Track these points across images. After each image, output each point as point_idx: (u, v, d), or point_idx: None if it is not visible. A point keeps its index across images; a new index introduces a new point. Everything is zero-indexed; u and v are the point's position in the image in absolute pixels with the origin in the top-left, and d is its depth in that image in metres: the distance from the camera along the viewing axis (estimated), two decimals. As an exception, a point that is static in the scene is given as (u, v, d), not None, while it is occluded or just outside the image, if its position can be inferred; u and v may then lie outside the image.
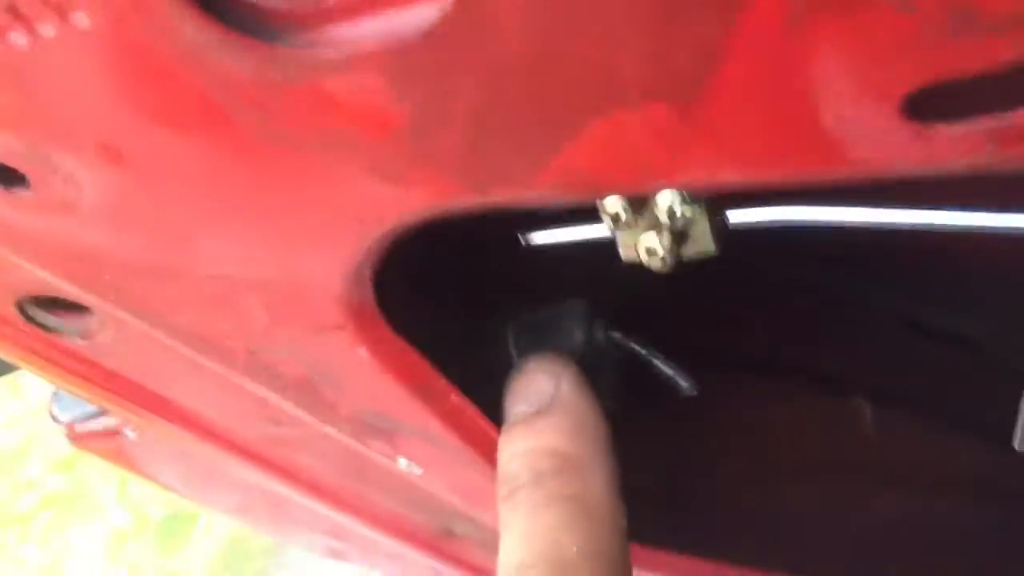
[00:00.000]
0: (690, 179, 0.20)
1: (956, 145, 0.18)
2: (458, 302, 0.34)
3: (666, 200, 0.28)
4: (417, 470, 0.35)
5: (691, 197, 0.28)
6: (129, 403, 0.34)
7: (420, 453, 0.34)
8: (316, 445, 0.36)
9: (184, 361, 0.31)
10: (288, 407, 0.33)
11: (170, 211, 0.24)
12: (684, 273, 0.30)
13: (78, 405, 0.53)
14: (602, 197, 0.23)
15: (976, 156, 0.18)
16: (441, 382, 0.31)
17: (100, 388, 0.33)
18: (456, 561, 0.43)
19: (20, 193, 0.25)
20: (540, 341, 0.36)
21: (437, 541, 0.42)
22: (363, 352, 0.29)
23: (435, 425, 0.32)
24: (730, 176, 0.20)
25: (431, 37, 0.18)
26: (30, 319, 0.31)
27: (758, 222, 0.29)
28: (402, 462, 0.35)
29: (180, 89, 0.21)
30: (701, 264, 0.30)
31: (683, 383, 0.35)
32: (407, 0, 0.19)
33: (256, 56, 0.20)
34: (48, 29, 0.20)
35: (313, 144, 0.21)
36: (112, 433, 0.47)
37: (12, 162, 0.23)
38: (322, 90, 0.20)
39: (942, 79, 0.17)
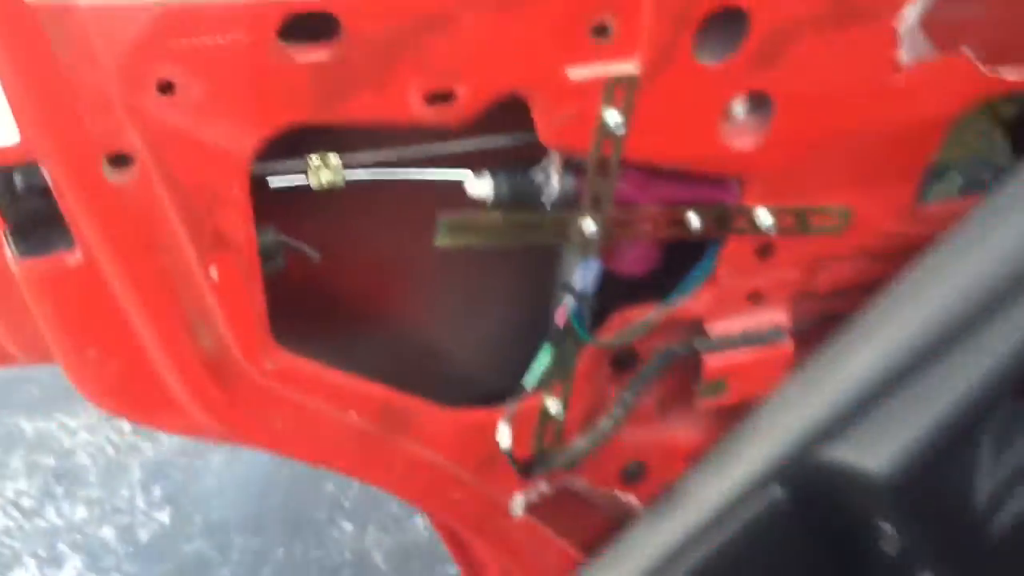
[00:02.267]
0: (382, 118, 0.81)
1: (435, 114, 0.82)
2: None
3: (334, 157, 0.87)
4: (215, 275, 0.84)
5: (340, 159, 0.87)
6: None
7: (225, 266, 0.84)
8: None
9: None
10: (180, 229, 0.81)
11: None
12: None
13: None
14: (350, 123, 0.81)
15: (439, 118, 0.82)
16: (252, 222, 0.83)
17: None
18: (185, 370, 0.87)
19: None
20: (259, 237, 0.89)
21: (184, 341, 0.86)
22: (237, 190, 0.81)
23: (243, 246, 0.83)
24: (383, 116, 0.81)
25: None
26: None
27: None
28: (212, 269, 0.83)
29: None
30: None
31: (312, 254, 0.91)
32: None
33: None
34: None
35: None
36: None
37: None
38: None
39: (436, 90, 0.81)
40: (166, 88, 0.74)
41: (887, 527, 1.16)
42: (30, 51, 0.69)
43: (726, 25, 0.89)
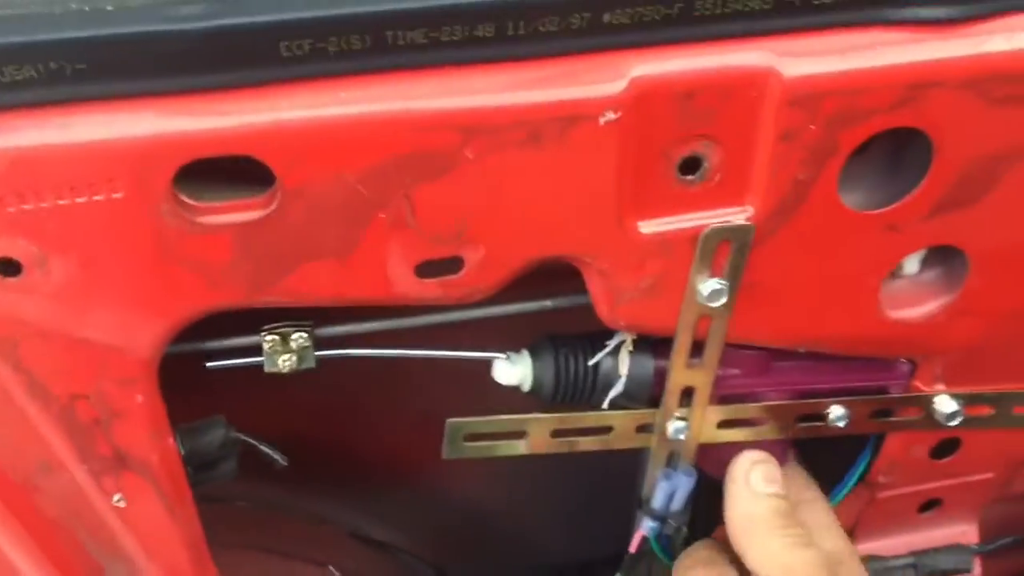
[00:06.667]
0: (351, 297, 0.53)
1: (436, 288, 0.54)
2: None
3: (298, 335, 0.60)
4: (123, 503, 0.59)
5: (308, 336, 0.60)
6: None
7: (135, 491, 0.59)
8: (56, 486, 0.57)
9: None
10: (61, 449, 0.56)
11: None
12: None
13: None
14: (305, 304, 0.55)
15: (442, 294, 0.55)
16: (169, 433, 0.58)
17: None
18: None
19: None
20: (197, 437, 0.63)
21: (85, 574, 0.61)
22: (140, 398, 0.55)
23: (157, 466, 0.58)
24: (353, 294, 0.54)
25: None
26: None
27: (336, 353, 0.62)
28: (116, 497, 0.59)
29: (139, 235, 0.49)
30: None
31: (278, 459, 0.65)
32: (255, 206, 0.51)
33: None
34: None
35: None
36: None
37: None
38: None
39: (434, 259, 0.53)
40: (8, 269, 0.49)
41: None
42: None
43: (886, 149, 0.58)
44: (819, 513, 0.67)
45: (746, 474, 0.64)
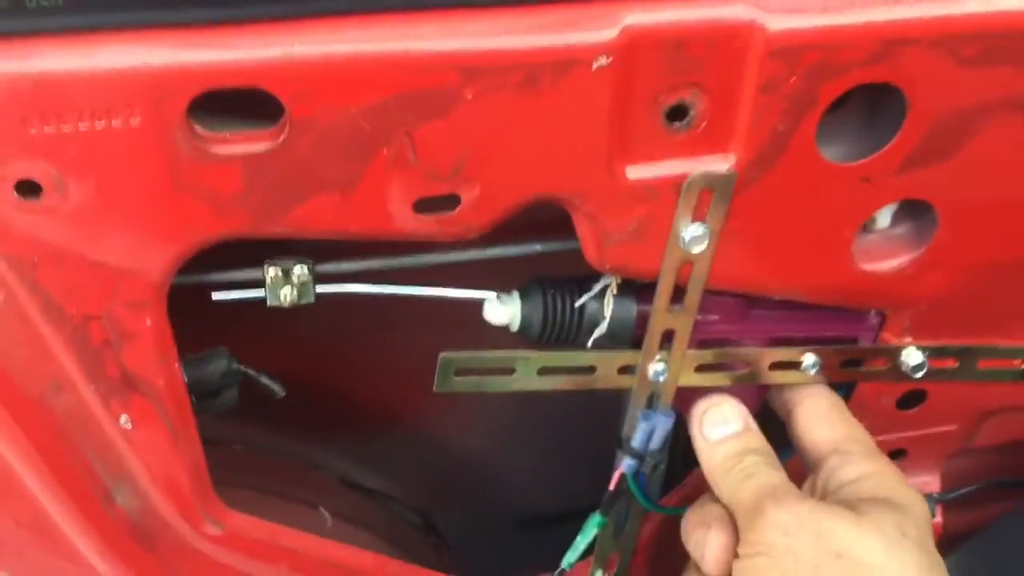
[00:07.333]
0: (352, 231, 0.56)
1: (433, 224, 0.57)
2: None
3: (300, 268, 0.63)
4: (129, 425, 0.62)
5: (309, 271, 0.63)
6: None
7: (141, 414, 0.61)
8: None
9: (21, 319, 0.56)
10: (72, 368, 0.59)
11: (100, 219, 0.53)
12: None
13: None
14: (309, 236, 0.57)
15: (438, 230, 0.57)
16: (176, 359, 0.60)
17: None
18: (99, 530, 0.65)
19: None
20: (201, 366, 0.66)
21: (93, 500, 0.64)
22: (149, 322, 0.58)
23: (163, 390, 0.60)
24: (355, 228, 0.57)
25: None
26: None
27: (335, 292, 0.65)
28: (123, 419, 0.61)
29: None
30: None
31: (276, 389, 0.68)
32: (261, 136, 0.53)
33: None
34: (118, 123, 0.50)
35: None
36: None
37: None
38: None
39: (432, 195, 0.56)
40: (28, 190, 0.52)
41: None
42: None
43: (863, 105, 0.61)
44: (816, 404, 0.70)
45: (700, 424, 0.68)
